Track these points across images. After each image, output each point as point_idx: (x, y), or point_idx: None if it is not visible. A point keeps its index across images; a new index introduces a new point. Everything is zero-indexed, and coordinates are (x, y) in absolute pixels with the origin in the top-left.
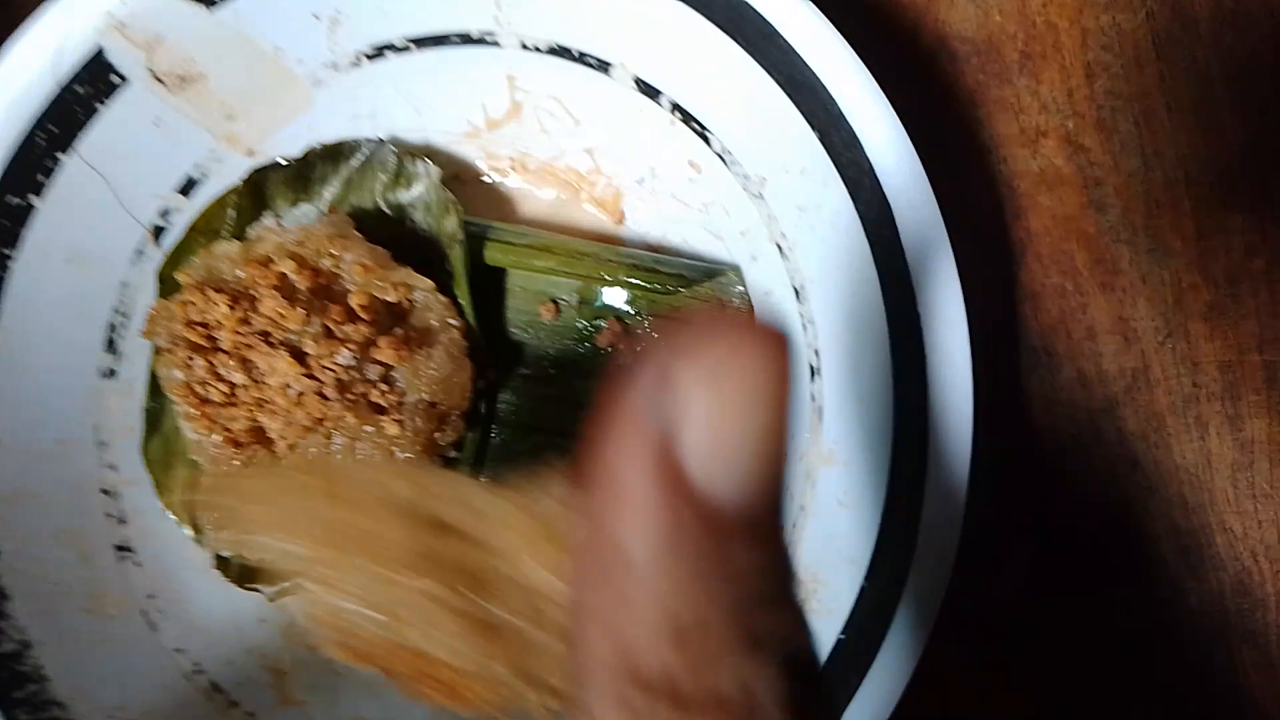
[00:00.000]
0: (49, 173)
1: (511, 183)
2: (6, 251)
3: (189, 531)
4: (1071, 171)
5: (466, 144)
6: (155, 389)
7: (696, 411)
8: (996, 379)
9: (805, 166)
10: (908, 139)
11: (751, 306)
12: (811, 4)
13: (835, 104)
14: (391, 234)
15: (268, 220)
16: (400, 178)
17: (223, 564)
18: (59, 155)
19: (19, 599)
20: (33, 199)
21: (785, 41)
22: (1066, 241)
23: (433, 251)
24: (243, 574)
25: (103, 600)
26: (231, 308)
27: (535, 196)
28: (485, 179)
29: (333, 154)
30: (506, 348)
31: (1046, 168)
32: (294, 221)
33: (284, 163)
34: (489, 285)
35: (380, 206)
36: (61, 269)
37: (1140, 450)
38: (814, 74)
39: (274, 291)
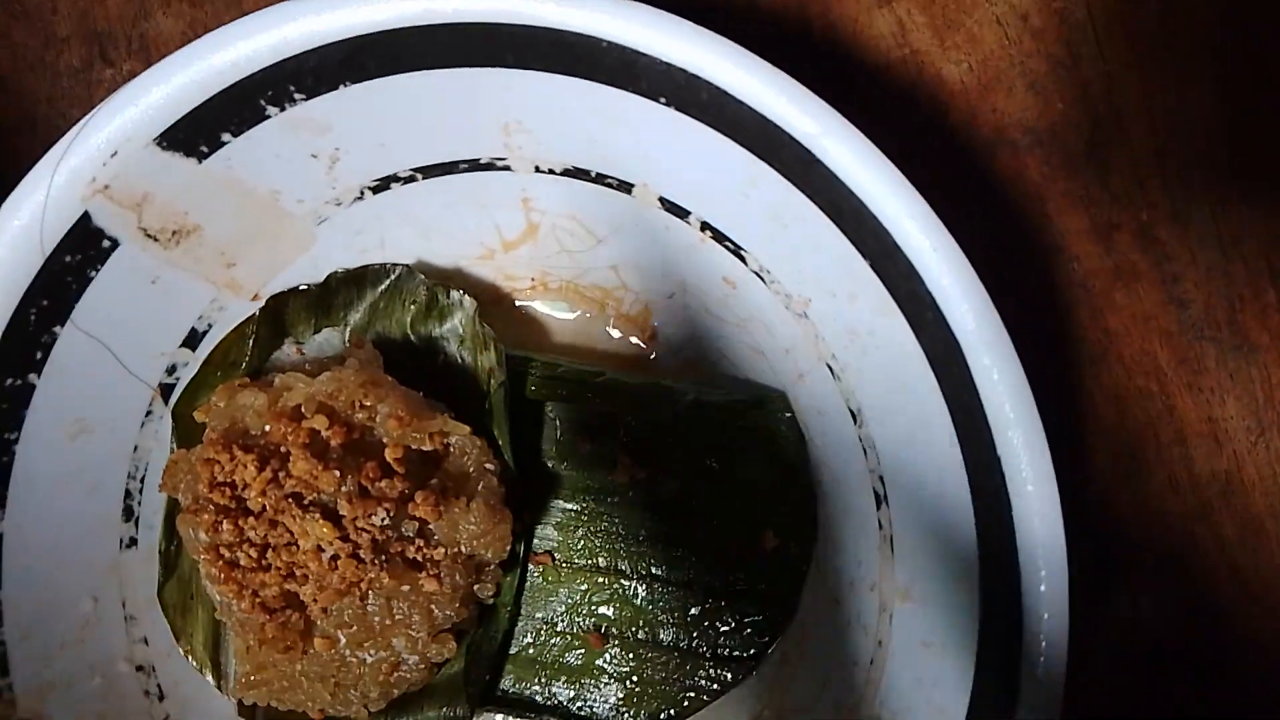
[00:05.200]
0: (46, 348)
1: (533, 303)
2: (10, 436)
3: (209, 678)
4: (1148, 266)
5: (482, 266)
6: (170, 529)
7: None
8: (1084, 489)
9: (855, 292)
10: (973, 271)
11: (801, 435)
12: (853, 128)
13: (888, 234)
14: (421, 367)
15: (288, 347)
16: (432, 310)
17: (247, 713)
18: (55, 329)
19: None
20: (32, 378)
21: (826, 169)
22: (1148, 341)
23: (468, 386)
24: None
25: None
26: (260, 468)
27: (560, 316)
28: (505, 300)
29: (357, 279)
30: (543, 481)
31: (1122, 263)
32: (316, 349)
33: (304, 288)
34: (525, 416)
35: (410, 338)
36: (69, 443)
37: (1239, 556)
38: (861, 203)
39: (305, 451)
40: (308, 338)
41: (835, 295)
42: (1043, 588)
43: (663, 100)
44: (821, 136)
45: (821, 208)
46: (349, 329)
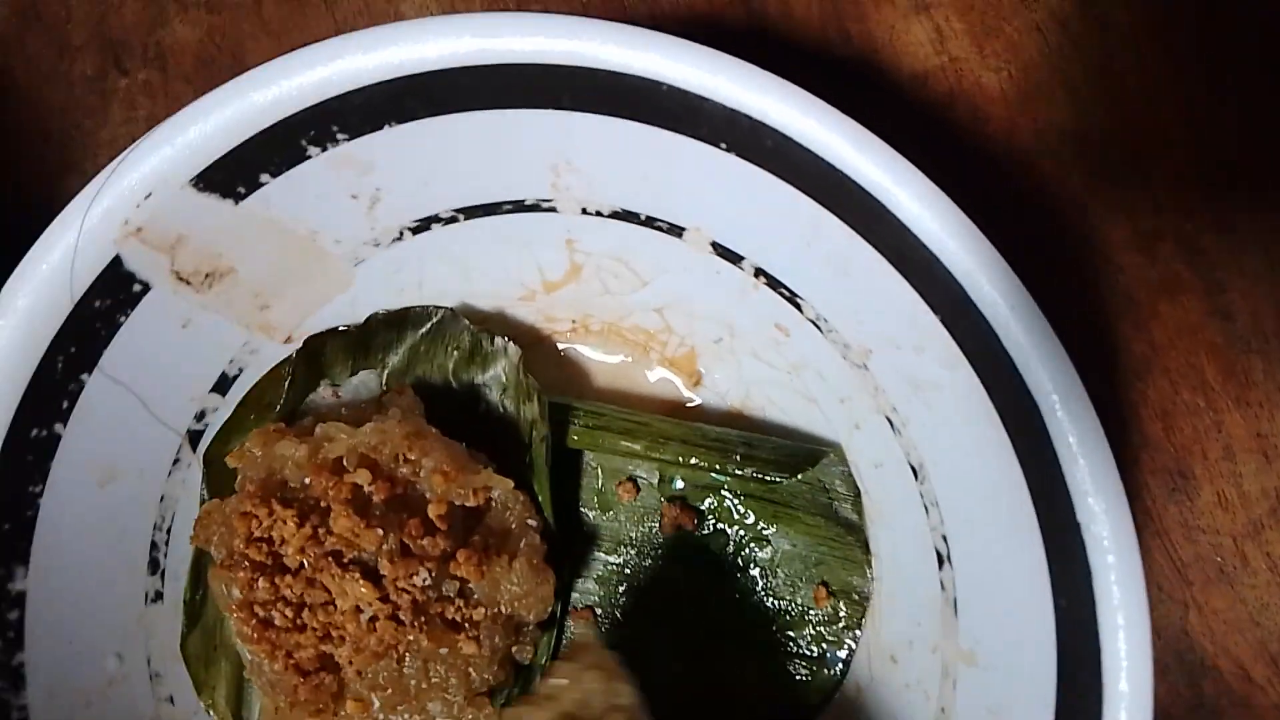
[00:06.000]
0: (73, 397)
1: (574, 345)
2: (34, 489)
3: None
4: (1193, 276)
5: (522, 307)
6: (196, 578)
7: None
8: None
9: (921, 345)
10: (1050, 329)
11: (857, 490)
12: (925, 178)
13: (960, 288)
14: (462, 415)
15: (324, 389)
16: (475, 356)
17: None
18: (82, 376)
19: None
20: (58, 428)
21: (896, 220)
22: (1194, 354)
23: (509, 436)
24: None
25: None
26: (300, 525)
27: (601, 359)
28: (546, 343)
29: (398, 321)
30: (583, 534)
31: (1166, 273)
32: (351, 391)
33: (343, 329)
34: (565, 465)
35: (450, 384)
36: (94, 494)
37: None
38: (933, 255)
39: (347, 507)
40: (344, 380)
41: (899, 347)
42: (1125, 661)
43: (723, 145)
44: (893, 187)
45: (889, 258)
46: (387, 371)
